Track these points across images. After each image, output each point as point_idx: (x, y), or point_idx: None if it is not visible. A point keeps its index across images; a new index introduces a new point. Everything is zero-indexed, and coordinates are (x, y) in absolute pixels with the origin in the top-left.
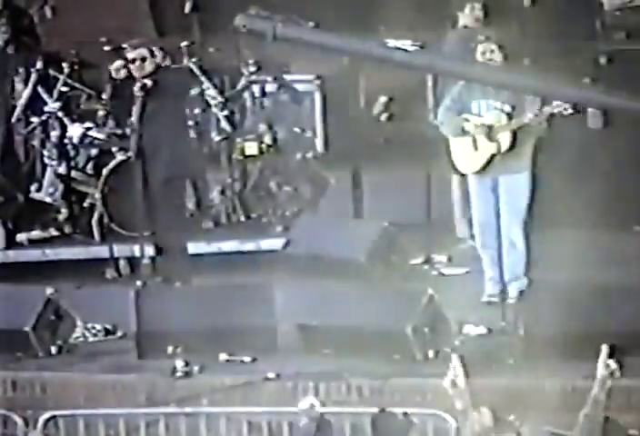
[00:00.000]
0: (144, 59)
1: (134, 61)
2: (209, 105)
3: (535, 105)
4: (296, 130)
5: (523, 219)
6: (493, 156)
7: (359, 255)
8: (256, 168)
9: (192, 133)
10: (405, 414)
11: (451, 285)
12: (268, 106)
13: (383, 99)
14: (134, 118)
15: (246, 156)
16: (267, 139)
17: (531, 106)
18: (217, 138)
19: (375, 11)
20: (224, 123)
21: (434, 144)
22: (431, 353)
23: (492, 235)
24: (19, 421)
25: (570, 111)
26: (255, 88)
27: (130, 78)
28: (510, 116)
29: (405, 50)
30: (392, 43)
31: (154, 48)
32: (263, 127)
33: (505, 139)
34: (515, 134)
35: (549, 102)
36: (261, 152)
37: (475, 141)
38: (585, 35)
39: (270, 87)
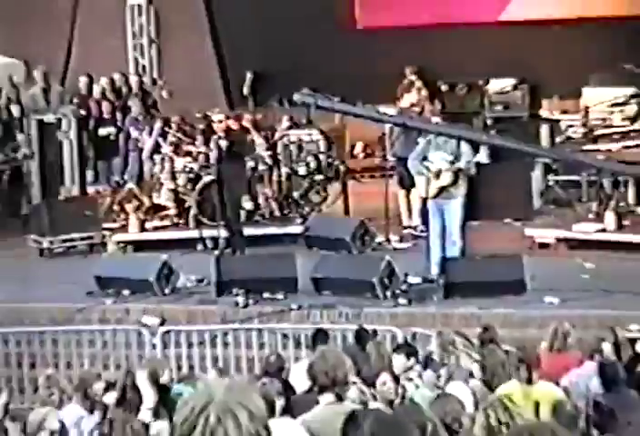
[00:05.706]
0: (222, 120)
1: (220, 121)
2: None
3: (468, 156)
4: (330, 160)
5: (460, 227)
6: (441, 188)
7: (346, 236)
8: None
9: (248, 165)
10: (375, 331)
11: (400, 254)
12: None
13: (360, 144)
14: (214, 156)
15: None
16: (312, 164)
17: (465, 157)
18: (262, 168)
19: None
20: (267, 159)
21: (391, 171)
22: (389, 294)
23: (440, 236)
24: (146, 332)
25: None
26: (285, 139)
27: (212, 132)
28: (452, 163)
29: (390, 115)
30: (382, 109)
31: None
32: (310, 158)
33: (447, 178)
34: (455, 174)
35: (475, 156)
36: (309, 172)
37: (428, 179)
38: (479, 108)
39: (294, 138)
